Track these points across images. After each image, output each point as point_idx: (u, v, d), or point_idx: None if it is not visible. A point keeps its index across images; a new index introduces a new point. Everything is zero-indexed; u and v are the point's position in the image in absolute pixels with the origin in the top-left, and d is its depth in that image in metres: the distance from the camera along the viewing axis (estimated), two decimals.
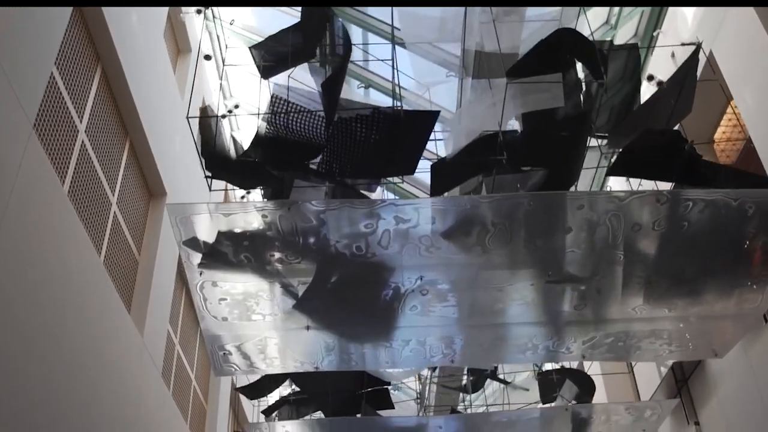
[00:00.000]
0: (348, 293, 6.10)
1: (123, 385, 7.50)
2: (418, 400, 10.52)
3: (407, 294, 6.04)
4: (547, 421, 8.62)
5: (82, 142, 6.96)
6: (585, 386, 8.88)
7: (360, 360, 6.99)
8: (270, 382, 9.14)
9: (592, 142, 6.62)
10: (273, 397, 10.42)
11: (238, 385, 10.68)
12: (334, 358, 6.92)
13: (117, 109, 8.02)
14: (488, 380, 10.75)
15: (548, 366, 10.04)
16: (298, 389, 9.97)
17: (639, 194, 5.22)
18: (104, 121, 7.68)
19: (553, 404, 8.85)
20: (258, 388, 9.55)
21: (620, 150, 6.10)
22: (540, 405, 8.92)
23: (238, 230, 5.40)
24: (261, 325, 6.38)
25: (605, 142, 6.56)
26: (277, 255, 5.58)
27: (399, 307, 6.19)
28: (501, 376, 10.51)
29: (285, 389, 10.07)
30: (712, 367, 9.36)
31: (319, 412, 9.52)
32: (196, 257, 5.62)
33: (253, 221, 5.32)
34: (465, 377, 10.97)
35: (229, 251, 5.57)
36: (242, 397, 13.61)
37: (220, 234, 5.43)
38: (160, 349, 9.29)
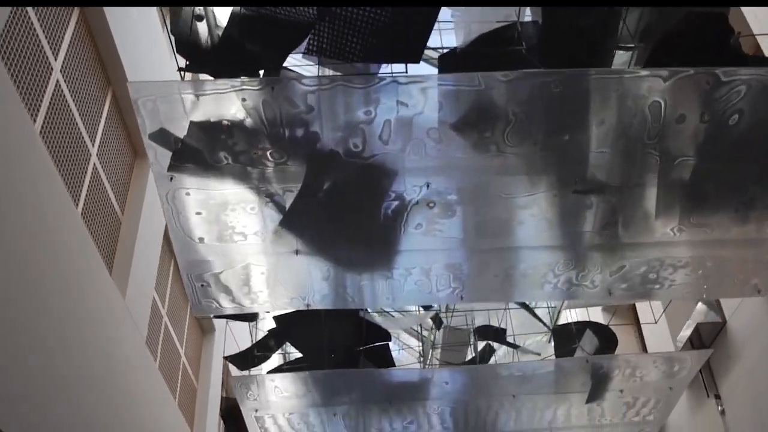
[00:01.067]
0: (343, 206, 5.37)
1: (100, 346, 6.95)
2: (422, 359, 9.77)
3: (411, 207, 5.32)
4: (564, 375, 7.91)
5: (57, 81, 6.56)
6: (606, 339, 8.16)
7: (357, 295, 6.27)
8: (262, 349, 8.44)
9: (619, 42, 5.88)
10: (266, 368, 9.71)
11: (227, 354, 9.96)
12: (328, 292, 6.20)
13: (99, 56, 7.71)
14: (497, 345, 10.05)
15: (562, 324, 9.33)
16: (291, 354, 9.29)
17: (685, 72, 4.47)
18: (83, 66, 7.30)
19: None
20: (248, 357, 8.81)
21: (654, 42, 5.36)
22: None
23: (213, 119, 4.67)
24: (243, 248, 5.67)
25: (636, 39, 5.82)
26: (259, 152, 4.85)
27: (402, 224, 5.47)
28: (510, 340, 9.79)
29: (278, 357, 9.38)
30: (735, 333, 8.72)
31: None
32: (165, 157, 4.90)
33: (231, 107, 4.59)
34: (472, 341, 10.26)
35: (204, 148, 4.85)
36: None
37: (192, 125, 4.71)
38: (144, 315, 8.86)
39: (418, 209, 5.34)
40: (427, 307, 9.38)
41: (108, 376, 7.09)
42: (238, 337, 12.12)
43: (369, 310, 8.26)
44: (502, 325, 9.40)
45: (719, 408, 9.45)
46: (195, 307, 6.31)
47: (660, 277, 6.15)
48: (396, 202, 5.29)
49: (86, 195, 7.23)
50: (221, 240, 5.56)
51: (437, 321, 9.22)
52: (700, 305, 9.11)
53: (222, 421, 10.98)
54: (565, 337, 8.23)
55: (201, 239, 5.55)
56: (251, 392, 7.97)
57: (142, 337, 8.57)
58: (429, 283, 6.13)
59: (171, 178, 5.03)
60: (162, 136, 4.74)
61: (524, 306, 9.39)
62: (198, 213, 5.34)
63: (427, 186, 5.15)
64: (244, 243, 5.61)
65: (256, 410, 8.28)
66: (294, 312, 8.60)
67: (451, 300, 6.45)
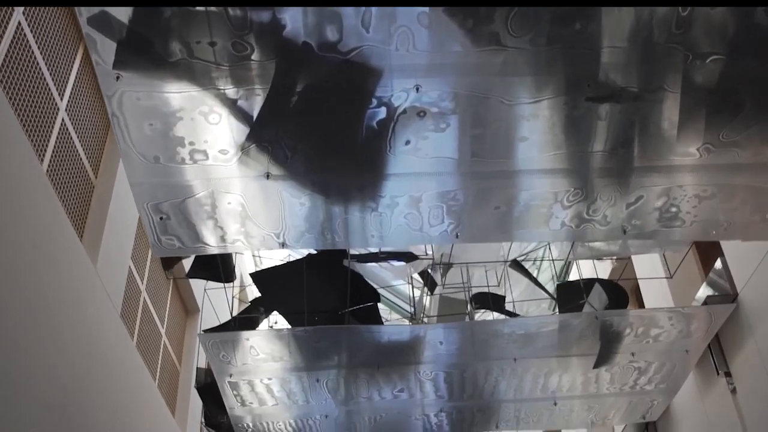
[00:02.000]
0: (320, 117, 4.71)
1: (68, 315, 6.55)
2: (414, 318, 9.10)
3: (398, 117, 4.67)
4: (571, 334, 7.28)
5: (19, 23, 6.14)
6: (615, 297, 7.52)
7: (339, 233, 5.61)
8: (241, 323, 7.82)
9: None
10: None
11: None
12: (305, 228, 5.54)
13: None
14: (496, 315, 9.40)
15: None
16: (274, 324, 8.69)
17: None
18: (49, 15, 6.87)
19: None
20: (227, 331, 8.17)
21: None
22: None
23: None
24: (205, 170, 5.01)
25: None
26: (219, 42, 4.18)
27: (388, 140, 4.82)
28: (510, 308, 9.15)
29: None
30: (747, 306, 8.11)
31: None
32: (109, 51, 4.23)
33: None
34: (468, 309, 9.63)
35: (156, 37, 4.18)
36: None
37: (140, 9, 4.04)
38: (119, 287, 8.50)
39: (407, 120, 4.69)
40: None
41: (76, 347, 6.65)
42: (224, 319, 11.58)
43: (354, 261, 7.59)
44: (502, 288, 8.75)
45: (730, 386, 8.88)
46: (155, 247, 5.64)
47: (681, 211, 5.51)
48: (381, 111, 4.63)
49: (53, 152, 6.81)
50: (180, 160, 4.91)
51: (430, 282, 8.57)
52: (709, 277, 8.52)
53: (199, 396, 10.35)
54: (571, 293, 7.59)
55: (156, 159, 4.89)
56: (224, 354, 7.32)
57: (116, 309, 8.19)
58: (420, 217, 5.48)
59: (117, 78, 4.37)
60: (104, 22, 4.08)
61: (525, 272, 8.74)
62: (151, 124, 4.67)
63: (417, 89, 4.50)
64: (207, 164, 4.95)
65: (231, 375, 7.64)
66: (273, 268, 7.97)
67: (445, 240, 5.79)
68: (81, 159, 7.65)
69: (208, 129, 4.72)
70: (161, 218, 5.34)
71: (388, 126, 4.73)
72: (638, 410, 8.78)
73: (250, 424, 8.55)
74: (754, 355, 8.17)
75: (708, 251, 9.32)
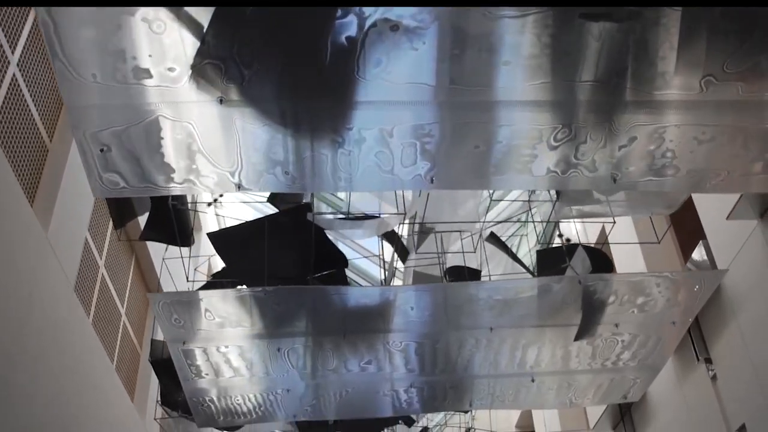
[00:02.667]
0: (280, 28, 4.21)
1: (16, 285, 6.22)
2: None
3: (368, 31, 4.18)
4: (551, 301, 6.87)
5: None
6: (599, 264, 7.10)
7: (301, 173, 5.12)
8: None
9: None
10: None
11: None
12: (264, 166, 5.05)
13: None
14: None
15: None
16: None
17: None
18: None
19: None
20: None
21: None
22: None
23: None
24: (150, 92, 4.50)
25: None
26: None
27: (357, 60, 4.34)
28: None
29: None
30: (729, 290, 7.83)
31: None
32: None
33: None
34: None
35: None
36: None
37: None
38: (74, 258, 8.15)
39: (378, 35, 4.22)
40: (389, 238, 8.23)
41: (23, 320, 6.28)
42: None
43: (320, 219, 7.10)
44: (479, 259, 8.29)
45: (710, 373, 8.59)
46: (95, 187, 5.12)
47: (676, 156, 5.09)
48: (349, 23, 4.15)
49: (1, 109, 6.45)
50: (121, 79, 4.38)
51: (400, 249, 8.09)
52: (692, 259, 8.20)
53: (154, 371, 9.77)
54: (553, 259, 7.16)
55: (94, 77, 4.36)
56: (177, 317, 6.78)
57: (70, 283, 7.80)
58: (391, 156, 5.01)
59: None
60: None
61: (503, 246, 8.28)
62: (86, 34, 4.14)
63: None
64: (151, 84, 4.44)
65: (184, 342, 7.10)
66: (232, 228, 7.46)
67: (419, 184, 5.32)
68: (34, 119, 7.25)
69: (152, 40, 4.20)
70: (102, 150, 4.82)
71: (356, 43, 4.25)
72: (619, 389, 8.39)
73: (206, 398, 8.02)
74: (736, 340, 7.91)
75: (690, 234, 9.02)
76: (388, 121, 4.73)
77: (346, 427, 9.95)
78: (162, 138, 4.80)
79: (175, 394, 9.77)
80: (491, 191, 7.20)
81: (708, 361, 8.73)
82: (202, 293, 6.66)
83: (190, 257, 8.39)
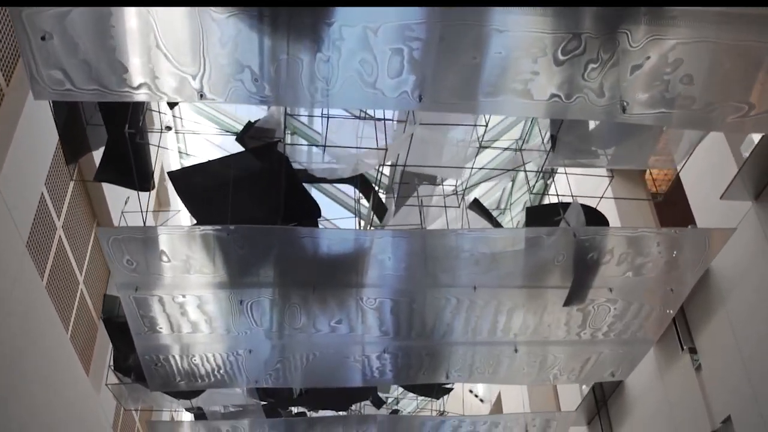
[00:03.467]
0: None
1: None
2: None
3: None
4: (542, 255, 6.38)
5: None
6: (594, 220, 6.62)
7: (273, 83, 4.56)
8: None
9: None
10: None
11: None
12: (229, 69, 4.48)
13: None
14: None
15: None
16: None
17: None
18: None
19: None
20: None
21: None
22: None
23: None
24: None
25: None
26: None
27: None
28: None
29: None
30: (717, 278, 7.54)
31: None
32: None
33: None
34: None
35: None
36: None
37: None
38: (27, 213, 7.74)
39: None
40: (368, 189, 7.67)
41: None
42: None
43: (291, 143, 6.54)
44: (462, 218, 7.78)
45: (694, 363, 8.24)
46: (36, 87, 4.52)
47: (695, 82, 4.60)
48: None
49: None
50: None
51: (378, 205, 7.54)
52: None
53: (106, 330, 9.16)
54: (544, 215, 6.66)
55: None
56: (129, 258, 6.18)
57: (22, 238, 7.44)
58: (375, 66, 4.46)
59: None
60: None
61: (485, 213, 7.75)
62: None
63: None
64: None
65: (137, 289, 6.49)
66: (196, 166, 6.90)
67: (404, 103, 4.79)
68: None
69: None
70: (43, 38, 4.21)
71: None
72: (607, 365, 7.92)
73: (160, 357, 7.42)
74: (724, 328, 7.61)
75: (678, 220, 8.68)
76: (373, 17, 4.19)
77: (311, 400, 9.40)
78: (112, 27, 4.22)
79: (129, 358, 9.18)
80: (481, 136, 6.68)
81: (692, 350, 8.42)
82: (160, 229, 6.08)
83: (147, 209, 7.83)
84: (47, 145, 8.26)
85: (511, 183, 9.32)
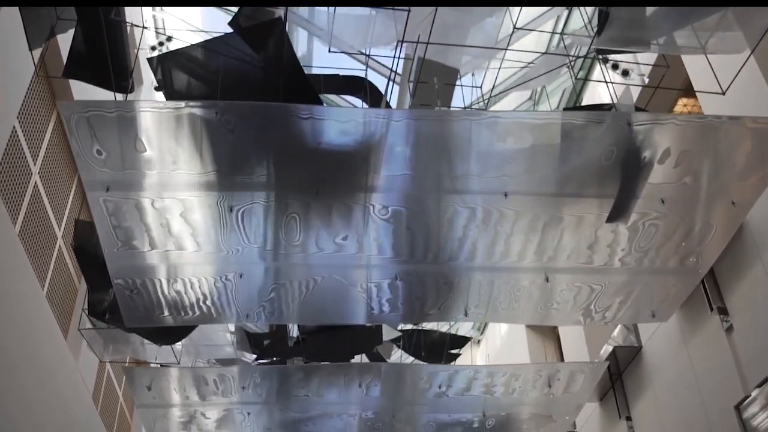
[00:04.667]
0: None
1: None
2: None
3: None
4: (588, 150, 5.45)
5: None
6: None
7: None
8: None
9: None
10: None
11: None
12: None
13: None
14: None
15: None
16: None
17: None
18: None
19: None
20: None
21: None
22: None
23: None
24: None
25: None
26: None
27: None
28: None
29: None
30: (754, 226, 6.75)
31: None
32: None
33: None
34: None
35: None
36: None
37: None
38: None
39: None
40: None
41: None
42: None
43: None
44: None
45: (724, 325, 7.46)
46: None
47: None
48: None
49: None
50: None
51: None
52: None
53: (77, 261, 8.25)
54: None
55: None
56: (99, 147, 5.27)
57: None
58: None
59: None
60: None
61: None
62: None
63: None
64: None
65: (108, 189, 5.58)
66: (176, 51, 6.02)
67: None
68: None
69: None
70: None
71: None
72: (649, 302, 7.04)
73: (136, 282, 6.50)
74: (759, 284, 6.76)
75: None
76: None
77: (308, 349, 8.50)
78: None
79: (105, 299, 8.27)
80: (515, 20, 5.79)
81: (722, 311, 7.57)
82: (136, 105, 5.15)
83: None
84: (23, 72, 7.49)
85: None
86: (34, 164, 8.15)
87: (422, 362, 9.43)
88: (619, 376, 10.47)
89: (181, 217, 5.92)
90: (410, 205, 5.89)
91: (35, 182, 8.26)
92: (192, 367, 8.78)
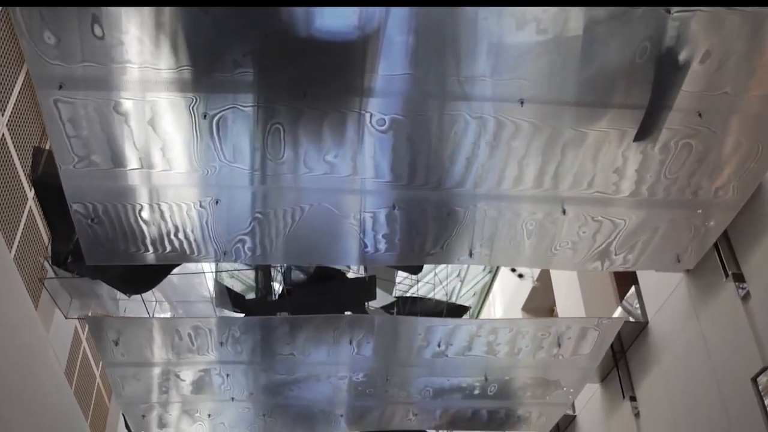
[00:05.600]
0: None
1: None
2: None
3: None
4: (618, 47, 4.74)
5: None
6: None
7: None
8: None
9: None
10: None
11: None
12: None
13: None
14: None
15: None
16: None
17: None
18: None
19: None
20: None
21: None
22: None
23: None
24: None
25: None
26: None
27: None
28: None
29: None
30: None
31: None
32: None
33: None
34: None
35: None
36: None
37: None
38: None
39: None
40: None
41: None
42: None
43: None
44: None
45: (740, 292, 6.90)
46: None
47: None
48: None
49: None
50: None
51: None
52: None
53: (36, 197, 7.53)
54: None
55: None
56: (48, 32, 4.54)
57: None
58: None
59: None
60: None
61: None
62: None
63: None
64: None
65: (60, 86, 4.86)
66: None
67: None
68: None
69: None
70: None
71: None
72: (675, 243, 6.38)
73: (97, 208, 5.77)
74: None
75: None
76: None
77: (294, 304, 7.79)
78: None
79: (66, 238, 7.53)
80: None
81: (738, 277, 6.92)
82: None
83: None
84: None
85: None
86: (2, 114, 7.48)
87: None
88: (623, 354, 9.87)
89: (149, 126, 5.20)
90: (411, 114, 5.18)
91: (3, 134, 7.58)
92: (163, 318, 8.06)
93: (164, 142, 5.33)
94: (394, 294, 9.96)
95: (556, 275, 12.70)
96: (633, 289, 9.26)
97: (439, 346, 7.74)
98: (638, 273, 9.29)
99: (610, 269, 6.78)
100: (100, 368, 12.40)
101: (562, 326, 7.64)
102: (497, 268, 17.22)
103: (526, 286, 14.11)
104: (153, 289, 8.42)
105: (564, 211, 5.94)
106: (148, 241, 6.14)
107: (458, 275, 17.93)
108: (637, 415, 9.30)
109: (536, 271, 14.13)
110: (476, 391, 8.63)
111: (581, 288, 10.95)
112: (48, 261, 8.15)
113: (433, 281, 14.08)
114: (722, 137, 5.40)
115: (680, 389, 8.18)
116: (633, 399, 9.44)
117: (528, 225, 6.10)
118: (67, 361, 10.70)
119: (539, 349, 7.86)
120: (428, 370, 8.25)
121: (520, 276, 15.75)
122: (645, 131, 5.29)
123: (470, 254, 6.39)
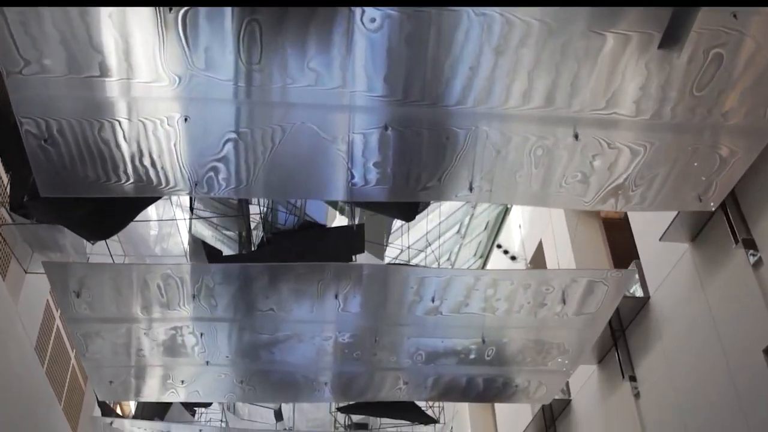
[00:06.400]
0: None
1: None
2: None
3: None
4: None
5: None
6: None
7: None
8: None
9: None
10: None
11: None
12: None
13: None
14: None
15: None
16: None
17: None
18: None
19: None
20: None
21: None
22: None
23: None
24: None
25: None
26: None
27: None
28: None
29: None
30: None
31: None
32: None
33: None
34: None
35: None
36: None
37: None
38: None
39: None
40: None
41: None
42: None
43: None
44: None
45: (751, 259, 6.63)
46: None
47: None
48: None
49: None
50: None
51: None
52: None
53: None
54: None
55: None
56: None
57: None
58: None
59: None
60: None
61: None
62: None
63: None
64: None
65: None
66: None
67: None
68: None
69: None
70: None
71: None
72: (697, 179, 5.80)
73: (51, 125, 5.13)
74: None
75: None
76: None
77: (277, 250, 7.18)
78: None
79: (25, 182, 6.89)
80: None
81: (749, 243, 6.65)
82: None
83: None
84: None
85: None
86: None
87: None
88: (622, 332, 9.41)
89: (108, 21, 4.57)
90: (406, 9, 4.57)
91: None
92: (130, 264, 7.42)
93: (126, 43, 4.70)
94: (384, 260, 9.41)
95: (550, 255, 12.22)
96: (633, 265, 8.85)
97: (432, 301, 7.13)
98: (639, 247, 8.81)
99: (624, 209, 6.18)
100: (74, 354, 11.74)
101: (566, 279, 7.05)
102: (488, 251, 16.72)
103: (519, 268, 13.62)
104: (122, 244, 7.80)
105: (576, 136, 5.35)
106: (109, 166, 5.50)
107: (448, 259, 17.44)
108: (637, 395, 8.92)
109: (529, 253, 13.65)
110: (472, 355, 8.03)
111: (577, 267, 10.49)
112: (6, 207, 7.53)
113: (425, 261, 13.53)
114: (760, 46, 4.81)
115: (684, 366, 7.79)
116: (633, 379, 9.08)
117: (535, 152, 5.51)
118: (38, 337, 10.06)
119: (541, 306, 7.28)
120: (420, 329, 7.64)
121: (513, 258, 15.24)
122: (672, 35, 4.70)
123: (470, 188, 5.79)
